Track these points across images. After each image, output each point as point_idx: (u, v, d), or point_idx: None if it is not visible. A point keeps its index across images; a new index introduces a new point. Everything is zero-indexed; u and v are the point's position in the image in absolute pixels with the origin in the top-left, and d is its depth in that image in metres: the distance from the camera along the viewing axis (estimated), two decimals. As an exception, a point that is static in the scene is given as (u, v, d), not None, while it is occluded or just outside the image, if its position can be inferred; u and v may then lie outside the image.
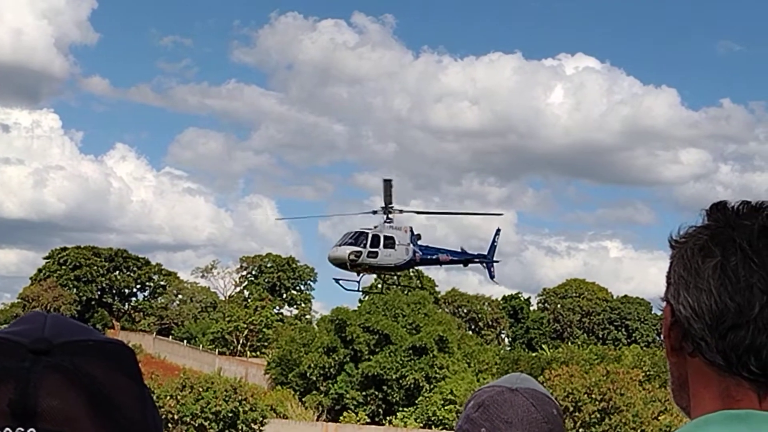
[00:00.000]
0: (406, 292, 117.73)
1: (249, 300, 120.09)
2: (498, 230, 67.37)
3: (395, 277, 61.43)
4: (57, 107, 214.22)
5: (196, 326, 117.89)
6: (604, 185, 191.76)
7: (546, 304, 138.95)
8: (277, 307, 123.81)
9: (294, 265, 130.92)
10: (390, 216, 58.41)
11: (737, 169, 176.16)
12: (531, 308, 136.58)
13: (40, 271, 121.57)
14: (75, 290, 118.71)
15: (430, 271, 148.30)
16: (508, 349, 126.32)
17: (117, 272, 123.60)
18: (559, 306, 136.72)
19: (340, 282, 59.65)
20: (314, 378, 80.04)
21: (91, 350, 1.18)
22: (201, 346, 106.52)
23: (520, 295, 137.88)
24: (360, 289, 61.03)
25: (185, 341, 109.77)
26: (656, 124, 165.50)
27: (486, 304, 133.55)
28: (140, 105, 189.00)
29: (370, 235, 56.66)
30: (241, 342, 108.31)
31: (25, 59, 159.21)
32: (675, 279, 1.96)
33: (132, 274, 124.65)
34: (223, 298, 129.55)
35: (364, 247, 56.00)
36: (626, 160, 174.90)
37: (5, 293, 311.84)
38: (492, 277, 66.51)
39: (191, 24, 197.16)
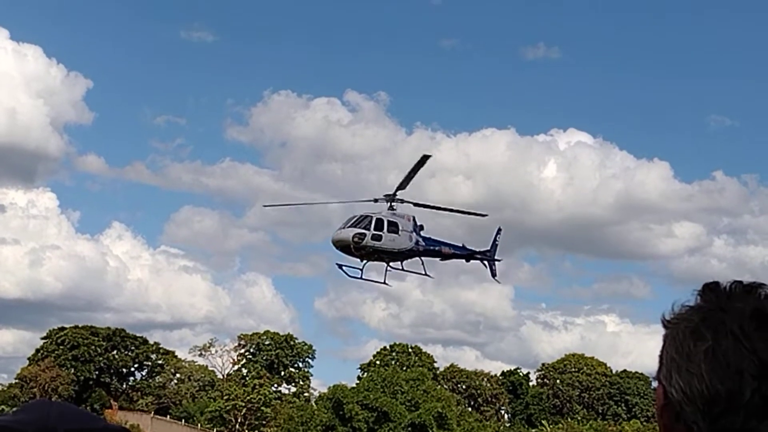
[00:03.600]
0: (404, 368, 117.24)
1: (247, 378, 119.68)
2: (499, 229, 67.41)
3: (400, 265, 60.45)
4: (53, 186, 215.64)
5: (194, 405, 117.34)
6: (599, 259, 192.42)
7: (545, 380, 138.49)
8: (276, 385, 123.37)
9: (292, 342, 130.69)
10: (393, 204, 58.44)
11: (731, 243, 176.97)
12: (530, 384, 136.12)
13: (37, 351, 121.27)
14: (73, 370, 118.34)
15: (428, 347, 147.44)
16: (508, 425, 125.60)
17: (115, 351, 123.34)
18: (558, 381, 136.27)
19: (344, 268, 59.26)
20: (313, 456, 79.61)
21: None
22: (199, 425, 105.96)
23: (519, 371, 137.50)
24: (363, 276, 59.64)
25: (183, 420, 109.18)
26: (649, 198, 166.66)
27: (485, 379, 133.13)
28: (135, 183, 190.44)
29: (374, 219, 56.66)
30: (239, 420, 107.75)
31: (21, 139, 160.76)
32: (667, 361, 1.99)
33: (130, 354, 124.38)
34: (221, 377, 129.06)
35: (368, 229, 55.93)
36: (620, 234, 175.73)
37: (2, 374, 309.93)
38: (494, 275, 66.48)
39: (184, 103, 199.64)
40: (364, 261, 58.52)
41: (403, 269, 60.46)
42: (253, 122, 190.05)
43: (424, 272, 61.52)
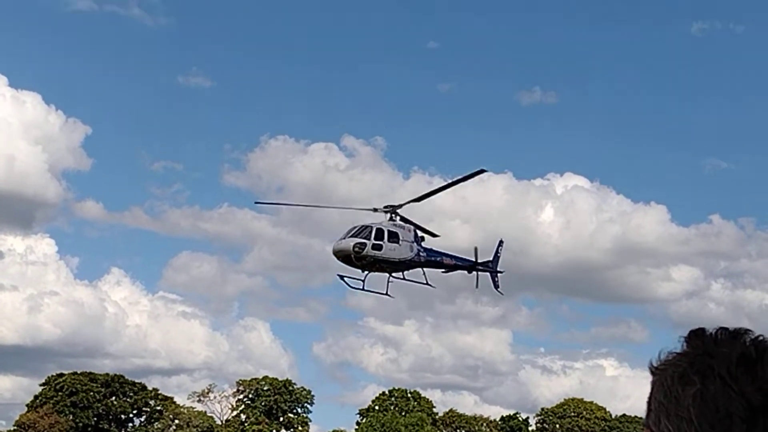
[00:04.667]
0: (403, 413, 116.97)
1: (246, 424, 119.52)
2: (501, 241, 67.35)
3: (401, 275, 60.17)
4: (52, 232, 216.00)
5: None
6: (597, 303, 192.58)
7: (545, 424, 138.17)
8: (274, 431, 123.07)
9: (291, 388, 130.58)
10: (393, 215, 58.67)
11: (728, 287, 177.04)
12: (530, 428, 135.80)
13: (36, 397, 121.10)
14: (71, 416, 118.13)
15: (426, 392, 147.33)
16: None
17: (113, 398, 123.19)
18: (557, 426, 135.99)
19: (345, 279, 59.14)
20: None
21: None
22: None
23: (518, 416, 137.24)
24: (365, 288, 59.43)
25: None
26: (647, 242, 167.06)
27: (484, 424, 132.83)
28: (134, 229, 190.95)
29: (374, 229, 56.81)
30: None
31: (19, 186, 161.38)
32: (655, 406, 2.06)
33: (128, 400, 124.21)
34: (220, 423, 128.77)
35: (368, 239, 56.02)
36: (618, 278, 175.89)
37: (1, 421, 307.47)
38: (496, 287, 66.34)
39: (182, 148, 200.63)
40: (366, 272, 58.50)
41: (404, 278, 60.46)
42: (251, 167, 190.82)
43: (425, 282, 61.21)
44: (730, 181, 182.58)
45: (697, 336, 2.08)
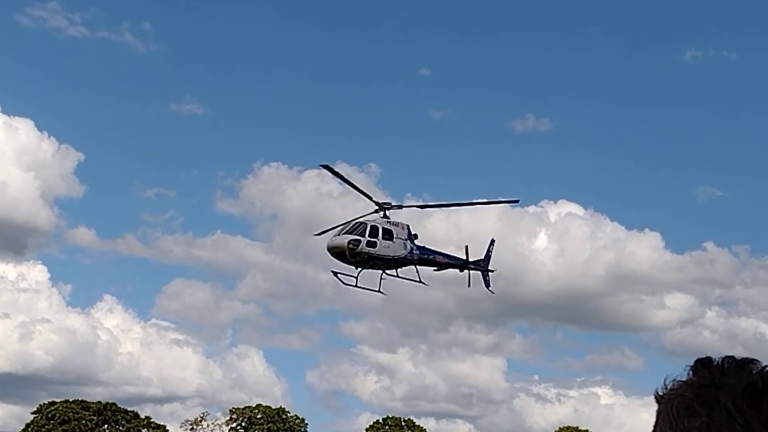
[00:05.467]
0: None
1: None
2: (492, 240, 67.70)
3: (395, 272, 60.46)
4: (44, 259, 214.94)
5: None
6: (592, 331, 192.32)
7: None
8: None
9: (284, 416, 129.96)
10: (387, 213, 59.20)
11: (723, 315, 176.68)
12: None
13: (28, 426, 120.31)
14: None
15: (420, 420, 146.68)
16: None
17: (106, 426, 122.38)
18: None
19: (339, 276, 59.32)
20: None
21: None
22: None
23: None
24: (357, 284, 59.77)
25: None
26: (641, 269, 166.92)
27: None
28: (127, 256, 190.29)
29: (369, 225, 57.37)
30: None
31: (11, 212, 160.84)
32: None
33: (121, 428, 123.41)
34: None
35: (363, 236, 56.52)
36: (612, 306, 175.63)
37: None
38: (487, 285, 66.55)
39: (175, 175, 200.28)
40: (359, 269, 58.91)
41: (398, 276, 60.83)
42: (244, 194, 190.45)
43: (418, 279, 61.52)
44: (724, 209, 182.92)
45: (703, 365, 2.07)
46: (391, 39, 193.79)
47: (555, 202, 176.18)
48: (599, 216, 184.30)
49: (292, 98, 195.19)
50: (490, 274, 67.48)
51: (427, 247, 62.61)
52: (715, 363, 2.08)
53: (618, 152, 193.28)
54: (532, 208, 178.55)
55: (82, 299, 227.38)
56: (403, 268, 60.98)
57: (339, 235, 57.37)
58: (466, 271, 66.60)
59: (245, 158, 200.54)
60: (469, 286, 67.28)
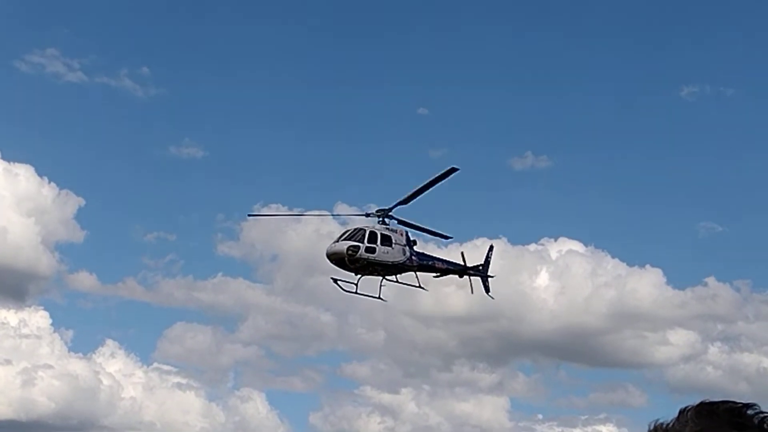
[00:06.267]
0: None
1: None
2: (491, 247, 67.56)
3: (395, 278, 60.60)
4: (45, 305, 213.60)
5: None
6: (595, 368, 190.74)
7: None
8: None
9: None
10: (385, 219, 59.34)
11: (726, 350, 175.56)
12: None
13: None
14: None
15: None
16: None
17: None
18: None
19: (338, 282, 59.40)
20: None
21: None
22: None
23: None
24: (357, 291, 59.81)
25: None
26: (643, 305, 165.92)
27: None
28: (128, 300, 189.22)
29: (367, 231, 57.64)
30: None
31: (11, 259, 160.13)
32: None
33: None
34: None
35: (362, 242, 56.79)
36: (615, 343, 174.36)
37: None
38: (487, 291, 66.40)
39: (175, 219, 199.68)
40: (359, 275, 59.00)
41: (398, 281, 60.92)
42: (244, 237, 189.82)
43: (418, 284, 61.61)
44: (725, 244, 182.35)
45: (704, 414, 2.05)
46: (389, 80, 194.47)
47: (555, 240, 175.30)
48: (600, 253, 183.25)
49: (292, 141, 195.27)
50: (489, 279, 67.72)
51: (425, 253, 62.54)
52: (717, 411, 2.02)
53: (617, 189, 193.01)
54: (532, 246, 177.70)
55: (83, 344, 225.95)
56: (403, 274, 61.14)
57: (338, 241, 57.60)
58: (465, 276, 66.80)
59: (245, 201, 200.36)
60: (472, 292, 67.56)
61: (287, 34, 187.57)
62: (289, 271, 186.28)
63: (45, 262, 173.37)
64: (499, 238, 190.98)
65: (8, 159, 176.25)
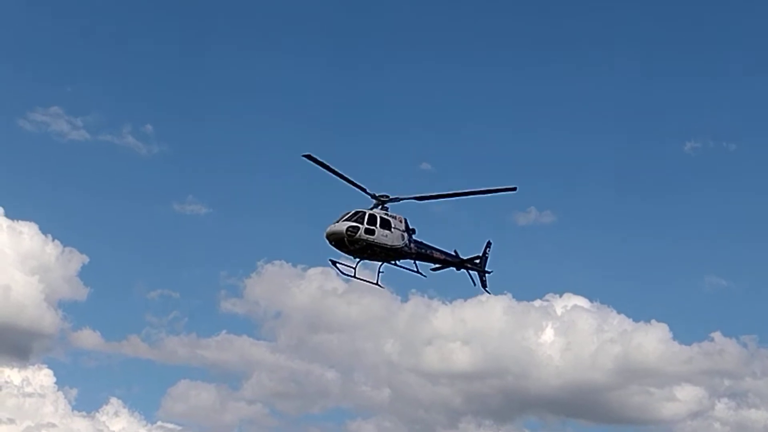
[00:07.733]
0: None
1: None
2: (489, 242, 67.41)
3: (394, 264, 60.60)
4: (49, 363, 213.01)
5: None
6: (601, 425, 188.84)
7: None
8: None
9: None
10: (385, 205, 59.78)
11: (733, 407, 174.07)
12: None
13: None
14: None
15: None
16: None
17: None
18: None
19: (337, 265, 59.69)
20: None
21: None
22: None
23: None
24: (356, 275, 60.11)
25: None
26: (648, 361, 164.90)
27: None
28: (132, 358, 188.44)
29: (367, 213, 58.19)
30: None
31: (15, 317, 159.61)
32: None
33: None
34: None
35: (361, 223, 57.28)
36: (621, 399, 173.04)
37: None
38: (484, 286, 66.09)
39: (179, 276, 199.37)
40: (357, 259, 59.34)
41: (396, 265, 60.99)
42: (248, 294, 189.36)
43: (416, 270, 61.68)
44: (731, 299, 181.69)
45: None
46: (391, 136, 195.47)
47: (560, 296, 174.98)
48: (605, 308, 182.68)
49: (295, 197, 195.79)
50: (487, 275, 67.64)
51: (424, 242, 62.64)
52: None
53: (622, 244, 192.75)
54: (537, 302, 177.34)
55: (87, 402, 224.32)
56: (401, 260, 61.35)
57: (338, 222, 57.74)
58: (463, 270, 66.90)
59: (248, 257, 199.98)
60: (474, 285, 67.43)
61: (288, 84, 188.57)
62: (293, 328, 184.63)
63: (49, 320, 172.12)
64: (504, 294, 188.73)
65: (12, 217, 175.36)
